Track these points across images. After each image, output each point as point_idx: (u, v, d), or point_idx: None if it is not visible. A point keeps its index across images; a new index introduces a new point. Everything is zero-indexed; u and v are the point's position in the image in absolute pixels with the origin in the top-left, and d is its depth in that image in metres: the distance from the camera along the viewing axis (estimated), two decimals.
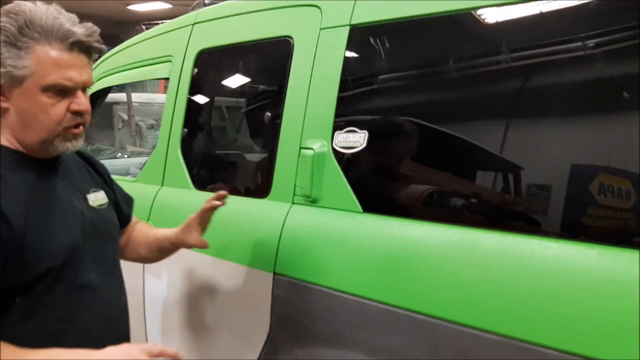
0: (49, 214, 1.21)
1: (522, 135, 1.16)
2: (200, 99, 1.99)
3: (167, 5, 10.60)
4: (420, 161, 1.34)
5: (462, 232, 1.16)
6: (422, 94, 1.35)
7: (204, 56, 1.92)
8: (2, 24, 1.14)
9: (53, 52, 1.16)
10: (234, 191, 1.72)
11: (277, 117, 1.59)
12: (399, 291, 1.21)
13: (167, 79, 2.05)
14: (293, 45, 1.58)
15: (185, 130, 1.92)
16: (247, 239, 1.59)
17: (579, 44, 1.08)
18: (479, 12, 1.21)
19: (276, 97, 1.64)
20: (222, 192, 1.45)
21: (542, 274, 1.02)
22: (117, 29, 13.71)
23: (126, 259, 1.55)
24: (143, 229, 1.59)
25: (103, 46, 1.24)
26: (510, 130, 1.18)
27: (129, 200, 1.55)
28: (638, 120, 0.98)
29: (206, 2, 2.13)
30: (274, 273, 1.48)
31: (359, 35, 1.42)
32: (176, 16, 2.18)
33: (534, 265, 1.04)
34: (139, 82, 4.21)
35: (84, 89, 1.21)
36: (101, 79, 2.47)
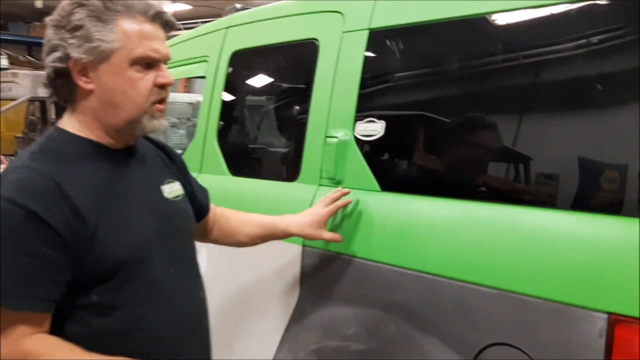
0: (122, 207, 1.18)
1: (512, 125, 1.37)
2: (234, 94, 2.21)
3: (187, 7, 10.89)
4: (428, 147, 1.55)
5: (463, 205, 1.38)
6: (430, 90, 1.56)
7: (237, 56, 2.15)
8: (84, 0, 1.13)
9: (138, 24, 1.14)
10: (269, 175, 1.95)
11: (305, 110, 1.81)
12: (409, 255, 1.42)
13: (202, 77, 2.28)
14: (319, 46, 1.79)
15: (221, 122, 2.15)
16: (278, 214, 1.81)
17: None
18: (477, 18, 1.42)
19: (304, 93, 1.85)
20: (345, 190, 1.55)
21: (525, 237, 1.23)
22: None
23: (218, 244, 1.58)
24: (236, 216, 1.58)
25: (175, 22, 1.22)
26: (502, 120, 1.39)
27: (204, 190, 1.52)
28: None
29: (238, 7, 2.35)
30: (303, 245, 1.70)
31: (377, 38, 1.64)
32: (196, 17, 2.41)
33: (519, 230, 1.25)
34: None
35: (165, 62, 1.19)
36: None
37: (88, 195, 1.12)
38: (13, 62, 10.34)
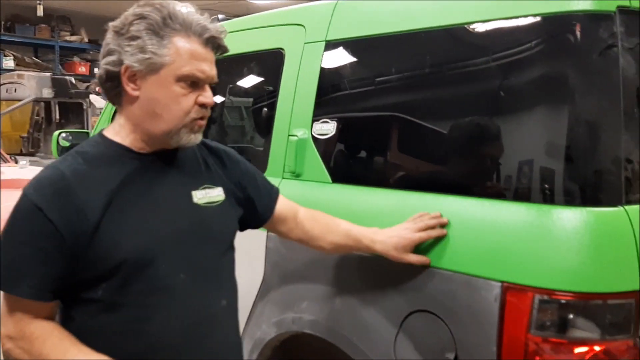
0: (132, 208, 1.19)
1: (442, 126, 1.60)
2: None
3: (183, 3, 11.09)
4: (371, 145, 1.77)
5: (398, 194, 1.60)
6: (374, 95, 1.78)
7: (215, 63, 2.37)
8: (147, 13, 1.18)
9: (191, 44, 1.19)
10: None
11: (272, 111, 2.03)
12: None
13: None
14: (284, 55, 2.02)
15: None
16: None
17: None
18: (413, 34, 1.64)
19: (272, 97, 2.08)
20: (443, 220, 1.42)
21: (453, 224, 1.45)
22: None
23: (299, 242, 1.55)
24: (320, 223, 1.53)
25: (227, 46, 1.28)
26: (434, 122, 1.61)
27: (271, 194, 1.51)
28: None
29: (220, 17, 2.58)
30: (267, 231, 1.92)
31: (332, 49, 1.86)
32: None
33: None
34: None
35: (210, 84, 1.24)
36: None
37: (98, 195, 1.16)
38: (19, 63, 10.61)
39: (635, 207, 1.31)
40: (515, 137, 1.43)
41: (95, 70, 12.50)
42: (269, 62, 2.15)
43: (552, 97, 1.37)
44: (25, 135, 9.29)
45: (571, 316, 1.26)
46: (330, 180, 1.78)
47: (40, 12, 9.61)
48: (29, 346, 1.16)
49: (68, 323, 1.21)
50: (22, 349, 1.17)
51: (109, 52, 1.21)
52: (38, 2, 9.40)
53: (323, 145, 1.83)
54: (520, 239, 1.32)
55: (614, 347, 1.26)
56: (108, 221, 1.16)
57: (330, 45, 1.86)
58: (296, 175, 1.89)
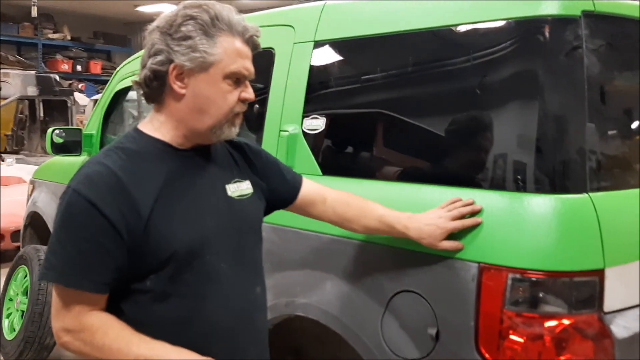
0: (179, 202, 1.24)
1: (423, 122, 1.72)
2: None
3: (174, 7, 11.13)
4: (359, 139, 1.89)
5: (382, 185, 1.72)
6: (362, 92, 1.90)
7: None
8: (195, 14, 1.22)
9: (236, 43, 1.25)
10: None
11: (264, 108, 2.14)
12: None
13: None
14: (274, 55, 2.13)
15: None
16: None
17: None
18: (394, 36, 1.76)
19: (263, 94, 2.19)
20: (477, 206, 1.44)
21: (426, 209, 1.57)
22: (126, 29, 14.15)
23: (331, 223, 1.61)
24: (354, 205, 1.57)
25: (260, 44, 1.35)
26: (417, 118, 1.73)
27: (294, 177, 1.57)
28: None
29: None
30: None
31: (320, 48, 1.97)
32: None
33: (422, 203, 1.59)
34: None
35: (250, 80, 1.31)
36: (125, 78, 3.03)
37: (147, 191, 1.21)
38: (3, 62, 10.57)
39: (599, 193, 1.44)
40: (491, 131, 1.56)
41: (78, 67, 12.50)
42: (260, 61, 2.25)
43: (524, 94, 1.50)
44: (9, 133, 9.27)
45: (541, 293, 1.39)
46: (320, 173, 1.90)
47: (34, 12, 9.59)
48: (90, 337, 1.19)
49: (118, 316, 1.23)
50: (82, 340, 1.19)
51: (157, 52, 1.24)
52: (33, 3, 9.37)
53: (313, 140, 1.94)
54: (495, 224, 1.44)
55: (580, 320, 1.39)
56: (158, 216, 1.21)
57: (319, 45, 1.98)
58: None
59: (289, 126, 2.00)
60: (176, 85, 1.25)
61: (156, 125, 1.30)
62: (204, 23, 1.23)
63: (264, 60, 2.16)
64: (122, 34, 13.87)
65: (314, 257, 1.83)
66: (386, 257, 1.63)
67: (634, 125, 1.67)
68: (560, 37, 1.45)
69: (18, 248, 4.25)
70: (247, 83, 1.31)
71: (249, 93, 1.30)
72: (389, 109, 1.80)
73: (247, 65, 1.29)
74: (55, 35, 12.24)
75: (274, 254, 1.98)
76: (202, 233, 1.26)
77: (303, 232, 1.86)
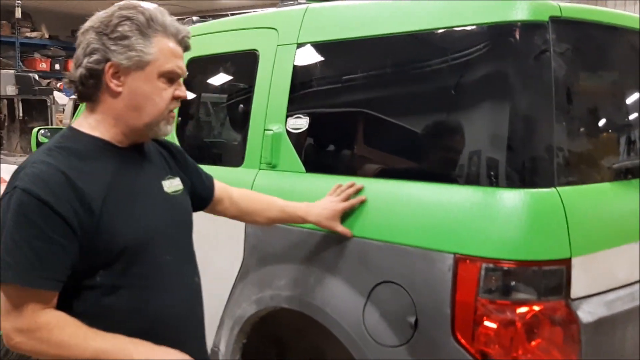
0: (125, 199, 1.29)
1: (401, 120, 1.80)
2: (191, 96, 2.59)
3: (153, 6, 11.10)
4: (342, 137, 1.97)
5: (364, 181, 1.80)
6: (343, 92, 1.98)
7: (194, 63, 2.52)
8: (132, 15, 1.27)
9: (170, 44, 1.31)
10: (219, 162, 2.35)
11: (249, 108, 2.21)
12: None
13: None
14: (259, 56, 2.19)
15: (180, 118, 2.54)
16: None
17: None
18: (371, 39, 1.84)
19: (248, 94, 2.25)
20: (359, 185, 1.70)
21: (404, 203, 1.66)
22: None
23: (238, 220, 1.75)
24: (255, 201, 1.74)
25: (191, 45, 1.40)
26: (395, 117, 1.82)
27: (208, 178, 1.66)
28: None
29: (194, 20, 2.74)
30: None
31: (302, 51, 2.05)
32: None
33: (400, 198, 1.68)
34: None
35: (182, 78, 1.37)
36: None
37: (96, 188, 1.24)
38: None
39: (566, 188, 1.54)
40: (465, 130, 1.65)
41: (57, 66, 12.39)
42: (245, 63, 2.32)
43: (496, 95, 1.59)
44: None
45: (513, 281, 1.48)
46: (304, 170, 1.97)
47: (18, 14, 9.49)
48: (47, 335, 1.20)
49: (66, 311, 1.24)
50: (38, 339, 1.20)
51: (93, 51, 1.28)
52: (16, 4, 9.27)
53: (296, 139, 2.02)
54: (469, 217, 1.53)
55: (549, 307, 1.49)
56: (108, 212, 1.25)
57: (301, 47, 2.05)
58: (272, 167, 2.07)
59: (273, 125, 2.07)
60: (112, 84, 1.28)
61: (93, 124, 1.32)
62: (140, 24, 1.28)
63: (248, 61, 2.24)
64: None
65: (298, 251, 1.91)
66: (368, 250, 1.70)
67: (599, 123, 1.77)
68: (529, 41, 1.55)
69: None
70: (180, 82, 1.36)
71: (182, 91, 1.36)
72: (370, 109, 1.88)
73: (180, 65, 1.34)
74: (33, 34, 12.12)
75: (259, 249, 2.05)
76: (148, 227, 1.32)
77: (287, 228, 1.93)
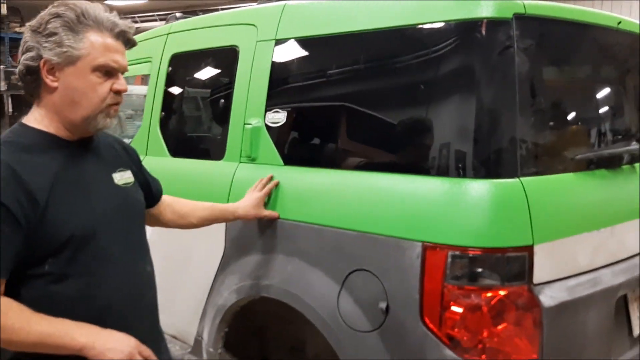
0: (72, 190, 1.32)
1: (378, 113, 1.86)
2: (174, 90, 2.65)
3: (144, 1, 11.10)
4: (317, 132, 2.03)
5: (338, 173, 1.86)
6: (320, 87, 2.03)
7: (176, 58, 2.58)
8: (62, 12, 1.31)
9: (103, 38, 1.32)
10: (201, 156, 2.40)
11: (229, 102, 2.26)
12: (302, 211, 1.90)
13: (147, 75, 2.71)
14: (239, 52, 2.25)
15: (163, 113, 2.59)
16: (209, 186, 2.25)
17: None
18: (345, 35, 1.90)
19: (228, 89, 2.30)
20: (270, 174, 1.94)
21: (376, 195, 1.72)
22: None
23: (169, 226, 1.79)
24: (188, 203, 1.82)
25: (135, 40, 1.42)
26: (368, 110, 1.88)
27: (156, 180, 1.71)
28: None
29: (177, 16, 2.78)
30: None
31: (281, 46, 2.10)
32: (152, 10, 2.80)
33: (373, 190, 1.74)
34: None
35: (122, 73, 1.38)
36: None
37: (42, 180, 1.27)
38: None
39: (529, 178, 1.60)
40: (436, 123, 1.71)
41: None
42: (225, 58, 2.37)
43: (463, 89, 1.65)
44: None
45: (478, 267, 1.55)
46: (282, 163, 2.03)
47: (4, 10, 9.45)
48: None
49: (15, 298, 1.26)
50: None
51: (28, 49, 1.33)
52: (2, 0, 9.24)
53: (275, 132, 2.07)
54: (437, 207, 1.60)
55: (513, 291, 1.55)
56: (54, 203, 1.28)
57: (280, 43, 2.10)
58: (252, 160, 2.12)
59: (253, 119, 2.12)
60: (48, 79, 1.32)
61: (38, 119, 1.36)
62: (70, 20, 1.31)
63: (229, 57, 2.29)
64: None
65: (276, 242, 1.97)
66: (342, 239, 1.77)
67: (562, 116, 1.84)
68: (493, 38, 1.61)
69: None
70: (120, 75, 1.38)
71: (120, 85, 1.37)
72: (344, 103, 1.94)
73: (116, 58, 1.35)
74: (22, 29, 12.07)
75: (239, 240, 2.11)
76: (95, 217, 1.35)
77: (267, 220, 1.99)
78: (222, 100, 2.36)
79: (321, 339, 1.81)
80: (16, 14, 11.90)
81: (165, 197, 1.76)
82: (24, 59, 1.34)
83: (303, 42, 2.05)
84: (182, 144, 2.60)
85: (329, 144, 2.01)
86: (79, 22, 1.32)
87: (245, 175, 2.13)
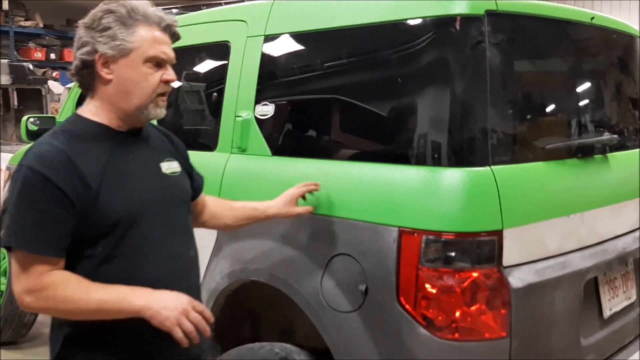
0: (121, 176, 1.42)
1: (361, 106, 1.96)
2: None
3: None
4: (303, 124, 2.12)
5: (323, 163, 1.96)
6: (306, 81, 2.13)
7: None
8: (114, 8, 1.42)
9: (152, 32, 1.43)
10: (195, 147, 2.50)
11: (221, 96, 2.36)
12: None
13: None
14: (230, 47, 2.34)
15: None
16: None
17: None
18: (335, 31, 1.99)
19: (221, 83, 2.40)
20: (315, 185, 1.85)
21: (355, 182, 1.82)
22: None
23: (206, 227, 1.83)
24: (223, 203, 1.85)
25: (180, 34, 1.52)
26: (351, 103, 1.97)
27: (201, 176, 1.77)
28: None
29: (174, 12, 2.88)
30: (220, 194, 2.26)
31: (270, 42, 2.19)
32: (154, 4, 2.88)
33: (352, 178, 1.84)
34: None
35: (170, 64, 1.48)
36: None
37: (93, 167, 1.38)
38: None
39: (499, 167, 1.69)
40: (413, 115, 1.80)
41: (52, 55, 12.47)
42: (218, 54, 2.47)
43: (438, 82, 1.74)
44: None
45: (451, 251, 1.64)
46: (270, 154, 2.13)
47: (5, 5, 9.55)
48: (53, 293, 1.34)
49: None
50: (45, 298, 1.35)
51: (83, 44, 1.43)
52: None
53: (264, 124, 2.17)
54: (413, 193, 1.69)
55: (484, 273, 1.65)
56: (105, 188, 1.39)
57: (269, 38, 2.20)
58: (242, 150, 2.22)
59: (243, 112, 2.22)
60: (103, 72, 1.43)
61: (93, 110, 1.48)
62: (121, 15, 1.42)
63: (221, 52, 2.38)
64: None
65: (263, 228, 2.06)
66: (324, 226, 1.87)
67: (533, 108, 1.92)
68: (466, 33, 1.70)
69: None
70: (168, 67, 1.48)
71: (169, 75, 1.47)
72: (329, 95, 2.03)
73: (164, 50, 1.46)
74: (27, 23, 12.18)
75: None
76: (141, 203, 1.45)
77: None
78: (215, 94, 2.45)
79: (309, 323, 1.91)
80: (20, 8, 12.02)
81: (206, 197, 1.81)
82: (79, 54, 1.44)
83: (290, 37, 2.14)
84: (177, 135, 2.68)
85: (314, 135, 2.11)
86: (129, 17, 1.42)
87: (236, 166, 2.23)
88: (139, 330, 1.37)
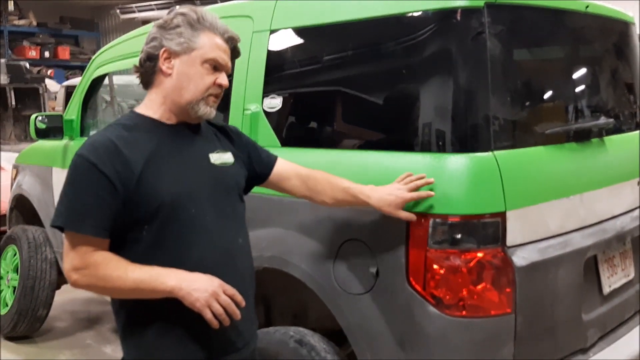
0: (166, 164, 1.51)
1: (367, 96, 2.04)
2: None
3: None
4: (313, 113, 2.20)
5: (331, 152, 2.04)
6: (312, 73, 2.20)
7: None
8: (186, 12, 1.56)
9: (216, 39, 1.57)
10: None
11: (230, 90, 2.42)
12: None
13: None
14: None
15: None
16: None
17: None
18: (339, 25, 2.06)
19: (228, 77, 2.46)
20: (430, 179, 1.70)
21: (362, 170, 1.90)
22: (93, 13, 14.09)
23: (298, 196, 1.83)
24: (323, 180, 1.79)
25: (240, 51, 1.67)
26: (358, 94, 2.05)
27: (269, 156, 1.83)
28: None
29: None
30: None
31: (275, 37, 2.27)
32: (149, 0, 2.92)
33: (360, 166, 1.92)
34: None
35: (226, 72, 1.60)
36: (102, 66, 3.28)
37: (138, 154, 1.48)
38: None
39: (501, 151, 1.78)
40: (418, 104, 1.88)
41: (46, 53, 12.48)
42: None
43: (441, 72, 1.82)
44: None
45: (457, 232, 1.73)
46: (279, 145, 2.21)
47: (11, 6, 9.56)
48: (94, 271, 1.44)
49: None
50: (88, 275, 1.45)
51: (152, 39, 1.57)
52: None
53: (272, 117, 2.24)
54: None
55: (489, 253, 1.74)
56: (148, 174, 1.48)
57: (274, 33, 2.27)
58: None
59: (251, 105, 2.29)
60: (164, 66, 1.55)
61: (148, 105, 1.60)
62: (191, 19, 1.56)
63: None
64: (90, 18, 13.81)
65: (277, 216, 2.15)
66: (336, 212, 1.95)
67: (533, 94, 2.01)
68: (467, 25, 1.77)
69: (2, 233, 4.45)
70: (223, 73, 1.60)
71: (223, 79, 1.59)
72: (336, 87, 2.11)
73: (223, 57, 1.58)
74: (21, 22, 12.20)
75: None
76: (186, 189, 1.52)
77: (265, 197, 2.17)
78: None
79: (321, 307, 2.00)
80: (14, 6, 12.01)
81: (297, 172, 1.82)
82: (147, 47, 1.57)
83: (295, 32, 2.21)
84: None
85: (323, 125, 2.19)
86: (198, 22, 1.55)
87: None
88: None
